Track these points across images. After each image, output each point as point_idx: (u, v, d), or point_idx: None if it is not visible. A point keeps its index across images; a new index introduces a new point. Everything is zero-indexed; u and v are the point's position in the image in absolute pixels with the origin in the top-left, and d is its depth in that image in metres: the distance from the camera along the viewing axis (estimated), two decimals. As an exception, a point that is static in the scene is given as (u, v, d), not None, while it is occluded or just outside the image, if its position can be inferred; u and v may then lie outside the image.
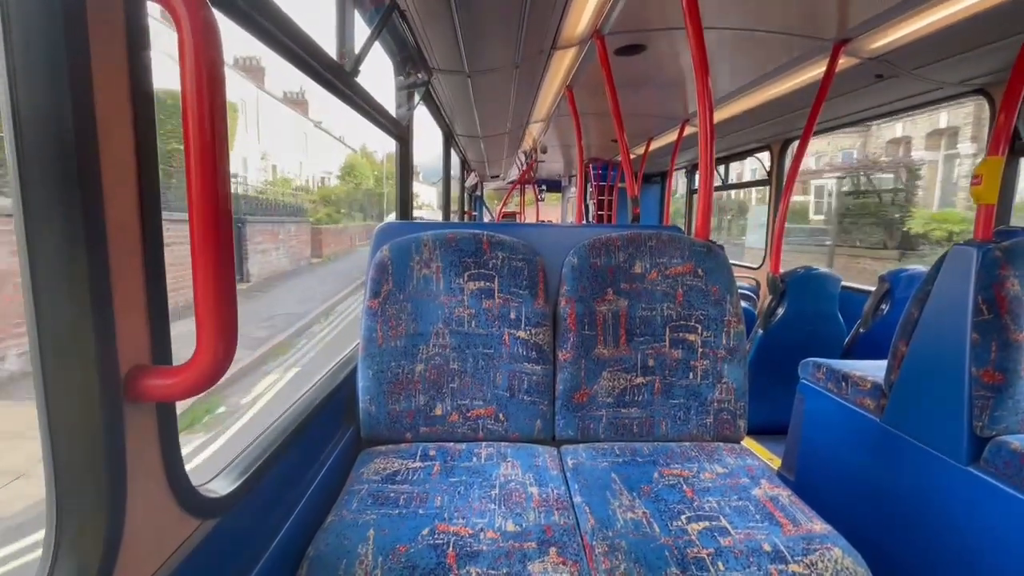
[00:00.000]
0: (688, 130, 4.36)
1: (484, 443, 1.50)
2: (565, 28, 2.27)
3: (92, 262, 0.56)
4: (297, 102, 32.56)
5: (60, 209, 0.54)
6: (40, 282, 0.55)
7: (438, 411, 1.51)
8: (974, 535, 1.34)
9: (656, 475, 1.33)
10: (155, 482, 0.68)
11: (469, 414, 1.52)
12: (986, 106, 2.54)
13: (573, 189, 9.08)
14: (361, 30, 1.85)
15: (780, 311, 2.77)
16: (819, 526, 1.12)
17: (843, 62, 2.35)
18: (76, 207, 0.54)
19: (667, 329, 1.57)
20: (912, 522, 1.52)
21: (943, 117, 12.42)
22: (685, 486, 1.28)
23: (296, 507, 1.12)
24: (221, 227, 0.62)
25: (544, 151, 6.22)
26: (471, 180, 9.64)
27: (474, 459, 1.39)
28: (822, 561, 1.03)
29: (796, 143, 2.97)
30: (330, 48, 1.57)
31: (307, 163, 32.77)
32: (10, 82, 0.52)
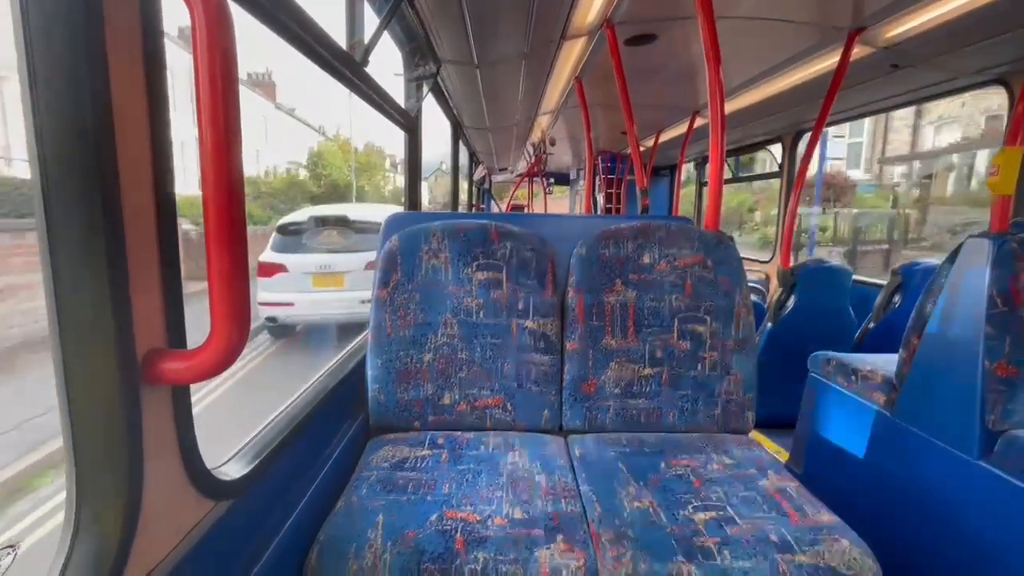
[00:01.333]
0: (698, 122, 4.31)
1: (492, 432, 1.51)
2: (575, 17, 2.25)
3: (109, 249, 0.57)
4: (260, 84, 29.23)
5: (78, 198, 0.55)
6: (60, 269, 0.56)
7: (446, 400, 1.53)
8: (984, 529, 1.33)
9: (663, 465, 1.33)
10: (171, 463, 0.70)
11: (477, 403, 1.53)
12: None
13: (581, 182, 9.04)
14: (371, 21, 1.85)
15: (790, 304, 2.75)
16: (827, 517, 1.12)
17: (858, 51, 2.31)
18: (94, 196, 0.56)
19: (675, 320, 1.56)
20: (921, 516, 1.52)
21: None
22: (692, 476, 1.28)
23: (307, 492, 1.14)
24: (235, 215, 0.63)
25: (552, 143, 6.18)
26: (479, 173, 9.62)
27: (482, 448, 1.40)
28: (830, 552, 1.03)
29: (808, 135, 2.93)
30: (340, 38, 1.58)
31: (266, 152, 27.94)
32: (30, 76, 0.53)
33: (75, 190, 0.55)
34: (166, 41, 0.65)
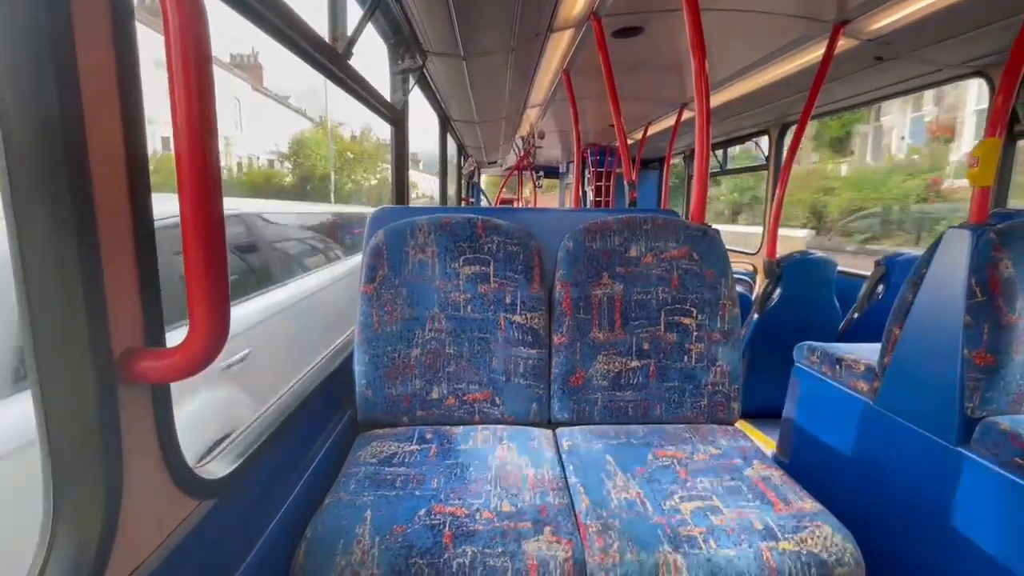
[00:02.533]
0: (686, 115, 4.32)
1: (480, 426, 1.51)
2: (561, 9, 2.24)
3: (82, 246, 0.56)
4: (244, 67, 26.22)
5: (48, 194, 0.54)
6: (31, 266, 0.55)
7: (434, 395, 1.52)
8: (963, 514, 1.36)
9: (650, 456, 1.34)
10: (152, 463, 0.69)
11: (465, 398, 1.53)
12: None
13: (571, 176, 9.03)
14: (354, 12, 1.83)
15: (776, 295, 2.78)
16: (810, 505, 1.14)
17: (842, 44, 2.33)
18: (64, 191, 0.54)
19: (662, 313, 1.57)
20: (903, 501, 1.55)
21: None
22: (679, 467, 1.29)
23: (294, 489, 1.13)
24: (212, 209, 0.62)
25: (541, 137, 6.16)
26: (468, 167, 9.56)
27: (470, 442, 1.40)
28: (812, 538, 1.05)
29: (795, 127, 2.96)
30: (322, 30, 1.55)
31: (240, 139, 24.39)
32: None
33: (44, 184, 0.53)
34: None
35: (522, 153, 7.80)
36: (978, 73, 2.53)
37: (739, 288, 2.63)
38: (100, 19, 0.58)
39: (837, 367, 1.89)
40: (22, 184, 0.53)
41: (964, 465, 1.36)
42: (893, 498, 1.58)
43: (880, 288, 2.60)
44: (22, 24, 0.51)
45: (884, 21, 2.13)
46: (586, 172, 6.73)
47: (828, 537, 1.05)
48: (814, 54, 2.54)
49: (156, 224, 0.67)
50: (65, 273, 0.55)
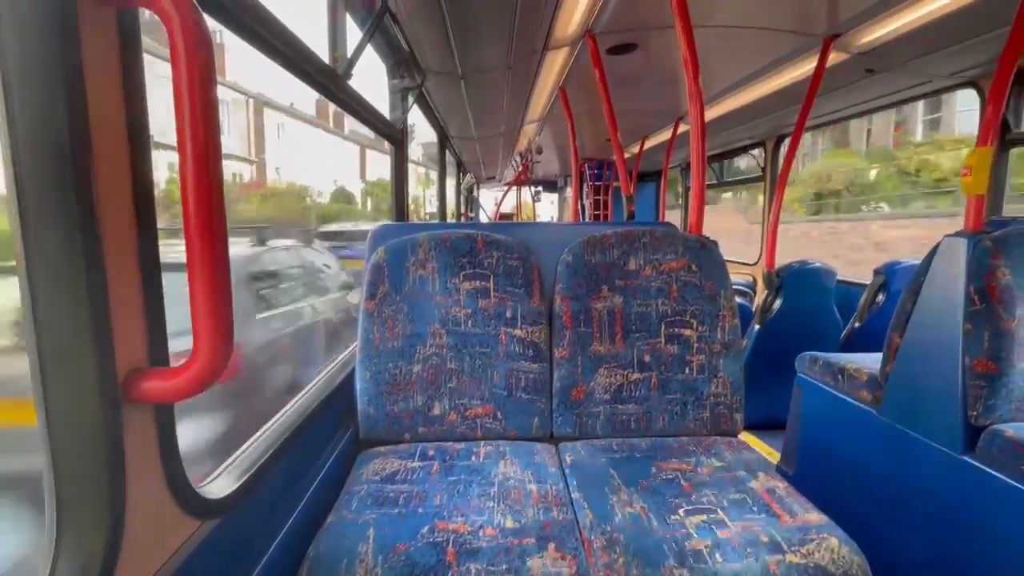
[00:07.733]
0: (682, 128, 4.37)
1: (483, 442, 1.51)
2: (557, 28, 2.28)
3: (88, 266, 0.57)
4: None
5: (56, 213, 0.55)
6: (38, 286, 0.56)
7: (436, 411, 1.52)
8: (969, 523, 1.35)
9: (654, 470, 1.33)
10: (155, 483, 0.69)
11: (467, 413, 1.53)
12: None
13: (569, 189, 9.09)
14: (353, 33, 1.86)
15: (776, 306, 2.78)
16: (816, 517, 1.13)
17: (834, 57, 2.37)
18: (71, 211, 0.55)
19: (662, 325, 1.58)
20: (909, 511, 1.53)
21: None
22: (683, 480, 1.28)
23: (296, 508, 1.12)
24: (216, 230, 0.63)
25: (539, 152, 6.22)
26: (467, 182, 9.64)
27: (473, 458, 1.40)
28: (819, 551, 1.04)
29: (790, 139, 3.00)
30: (322, 52, 1.58)
31: None
32: (4, 87, 0.53)
33: (51, 204, 0.55)
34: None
35: (520, 168, 7.87)
36: (969, 83, 2.57)
37: (739, 299, 2.64)
38: (107, 43, 0.59)
39: (840, 377, 1.88)
40: (30, 205, 0.55)
41: (970, 473, 1.35)
42: (899, 508, 1.57)
43: (880, 297, 2.61)
44: (33, 48, 0.53)
45: (873, 35, 2.17)
46: (584, 186, 6.78)
47: (835, 549, 1.04)
48: (806, 67, 2.58)
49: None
50: (71, 293, 0.56)
